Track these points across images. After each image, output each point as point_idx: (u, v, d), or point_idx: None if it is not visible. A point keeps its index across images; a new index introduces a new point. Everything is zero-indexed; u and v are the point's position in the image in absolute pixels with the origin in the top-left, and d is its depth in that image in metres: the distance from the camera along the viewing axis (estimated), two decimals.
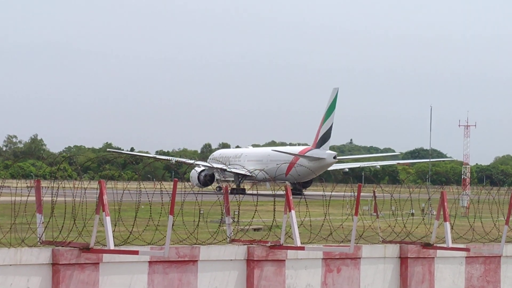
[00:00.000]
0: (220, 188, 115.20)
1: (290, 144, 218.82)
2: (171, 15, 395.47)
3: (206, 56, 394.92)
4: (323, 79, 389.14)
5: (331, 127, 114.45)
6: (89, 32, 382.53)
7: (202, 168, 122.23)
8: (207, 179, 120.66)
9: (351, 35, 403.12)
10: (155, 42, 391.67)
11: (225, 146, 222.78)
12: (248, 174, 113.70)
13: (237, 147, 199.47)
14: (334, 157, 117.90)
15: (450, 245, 30.34)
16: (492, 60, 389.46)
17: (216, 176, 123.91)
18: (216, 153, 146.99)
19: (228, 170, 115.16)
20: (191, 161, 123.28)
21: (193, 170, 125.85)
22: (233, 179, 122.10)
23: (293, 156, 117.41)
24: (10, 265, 23.88)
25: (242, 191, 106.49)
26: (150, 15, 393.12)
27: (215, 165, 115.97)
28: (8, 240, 24.47)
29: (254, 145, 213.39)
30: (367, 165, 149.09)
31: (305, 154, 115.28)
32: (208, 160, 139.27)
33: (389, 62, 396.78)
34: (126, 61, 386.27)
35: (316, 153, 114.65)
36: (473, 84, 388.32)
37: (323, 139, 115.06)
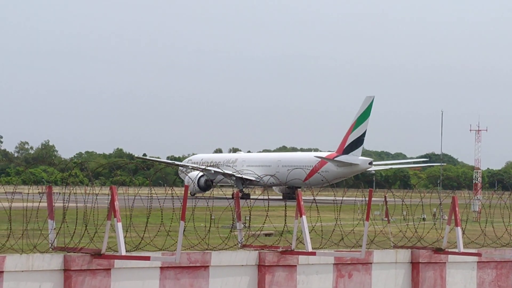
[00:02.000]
0: (194, 193, 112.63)
1: (301, 150, 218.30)
2: (183, 18, 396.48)
3: (218, 61, 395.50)
4: (334, 83, 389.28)
5: (364, 133, 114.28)
6: (101, 37, 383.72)
7: (201, 173, 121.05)
8: (208, 184, 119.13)
9: (357, 38, 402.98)
10: (165, 47, 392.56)
11: (236, 151, 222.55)
12: (256, 179, 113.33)
13: (228, 151, 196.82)
14: (370, 163, 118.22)
15: (462, 250, 30.29)
16: (504, 64, 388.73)
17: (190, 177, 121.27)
18: (195, 158, 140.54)
19: (237, 175, 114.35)
20: (202, 167, 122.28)
21: (190, 175, 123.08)
22: (229, 184, 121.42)
23: (319, 161, 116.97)
24: (22, 271, 23.95)
25: (247, 196, 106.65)
26: (161, 17, 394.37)
27: (226, 171, 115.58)
28: (20, 246, 24.55)
29: (265, 150, 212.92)
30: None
31: (335, 159, 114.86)
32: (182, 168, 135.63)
33: (399, 66, 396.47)
34: (137, 66, 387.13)
35: (346, 158, 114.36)
36: (484, 89, 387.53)
37: (354, 145, 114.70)
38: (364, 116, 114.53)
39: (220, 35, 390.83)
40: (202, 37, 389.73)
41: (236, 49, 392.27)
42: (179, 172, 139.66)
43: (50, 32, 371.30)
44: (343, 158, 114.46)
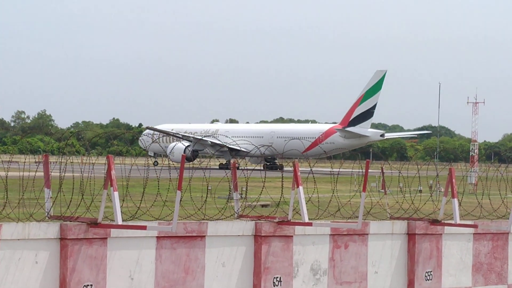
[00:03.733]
0: (157, 163, 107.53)
1: (299, 121, 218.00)
2: None
3: (216, 31, 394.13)
4: (330, 55, 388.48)
5: (374, 106, 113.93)
6: (98, 5, 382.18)
7: (188, 143, 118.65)
8: (194, 154, 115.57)
9: (357, 9, 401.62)
10: (163, 16, 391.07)
11: (232, 121, 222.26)
12: (247, 150, 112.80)
13: (222, 122, 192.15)
14: (382, 135, 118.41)
15: (458, 221, 30.33)
16: (503, 36, 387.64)
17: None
18: (163, 128, 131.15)
19: (229, 146, 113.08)
20: (199, 137, 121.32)
21: (176, 145, 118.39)
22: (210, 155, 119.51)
23: (323, 133, 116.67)
24: (18, 239, 23.95)
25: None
26: None
27: (222, 141, 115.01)
28: (17, 215, 24.54)
29: (262, 121, 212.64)
30: None
31: (346, 129, 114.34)
32: (144, 135, 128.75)
33: (396, 37, 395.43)
34: (133, 36, 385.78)
35: (357, 130, 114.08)
36: (482, 61, 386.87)
37: (362, 118, 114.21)
38: (374, 89, 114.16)
39: (221, 4, 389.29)
40: (201, 5, 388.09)
41: (235, 19, 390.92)
42: (139, 141, 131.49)
43: (46, 0, 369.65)
44: (354, 129, 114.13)
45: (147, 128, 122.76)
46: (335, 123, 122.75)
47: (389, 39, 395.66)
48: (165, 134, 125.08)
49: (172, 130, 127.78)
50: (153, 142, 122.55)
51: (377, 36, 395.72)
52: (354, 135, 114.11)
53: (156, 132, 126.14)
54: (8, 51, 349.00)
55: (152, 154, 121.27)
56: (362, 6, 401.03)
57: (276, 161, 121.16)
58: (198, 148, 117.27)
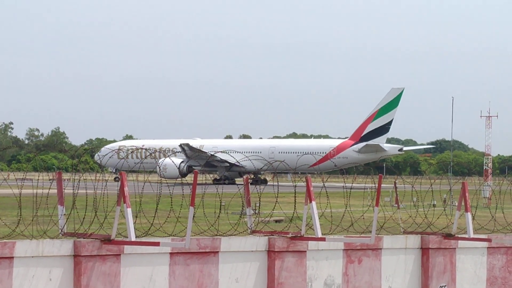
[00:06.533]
0: (118, 178, 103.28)
1: (312, 136, 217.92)
2: (192, 3, 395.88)
3: (228, 46, 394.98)
4: (341, 70, 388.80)
5: (390, 122, 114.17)
6: (110, 23, 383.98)
7: (181, 158, 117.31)
8: (190, 170, 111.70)
9: (364, 21, 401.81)
10: (174, 32, 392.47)
11: (246, 137, 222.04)
12: (241, 165, 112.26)
13: (239, 137, 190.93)
14: (400, 150, 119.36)
15: (472, 235, 30.25)
16: None
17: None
18: (130, 144, 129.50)
19: (238, 164, 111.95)
20: (212, 153, 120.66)
21: (168, 160, 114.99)
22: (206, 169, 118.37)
23: (334, 148, 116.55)
24: (32, 257, 24.04)
25: (233, 182, 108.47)
26: (170, 2, 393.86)
27: (235, 156, 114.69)
28: (30, 232, 24.62)
29: (275, 137, 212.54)
30: None
31: (369, 143, 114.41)
32: (103, 151, 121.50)
33: (408, 53, 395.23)
34: (146, 52, 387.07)
35: (377, 144, 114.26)
36: (495, 74, 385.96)
37: (375, 133, 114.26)
38: (390, 106, 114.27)
39: (233, 20, 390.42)
40: (212, 21, 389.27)
41: (247, 34, 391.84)
42: (97, 156, 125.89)
43: (60, 18, 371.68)
44: (375, 142, 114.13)
45: (180, 145, 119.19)
46: (347, 138, 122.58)
47: (401, 54, 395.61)
48: (151, 151, 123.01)
49: (143, 145, 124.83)
50: (110, 156, 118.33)
51: (390, 51, 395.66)
52: (372, 149, 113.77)
53: (126, 147, 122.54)
54: (21, 69, 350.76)
55: (114, 170, 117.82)
56: (372, 21, 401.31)
57: (259, 175, 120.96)
58: (193, 164, 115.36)
